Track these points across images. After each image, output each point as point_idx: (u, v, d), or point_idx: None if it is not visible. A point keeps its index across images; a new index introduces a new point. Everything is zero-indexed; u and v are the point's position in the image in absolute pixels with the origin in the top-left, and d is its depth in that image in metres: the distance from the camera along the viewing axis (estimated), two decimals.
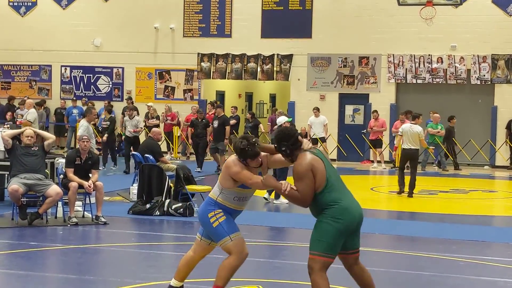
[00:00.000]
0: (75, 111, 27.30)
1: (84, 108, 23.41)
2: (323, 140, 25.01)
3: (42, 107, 27.59)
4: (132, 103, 27.64)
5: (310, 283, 6.58)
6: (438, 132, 23.56)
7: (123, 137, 21.56)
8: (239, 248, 7.02)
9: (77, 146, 12.90)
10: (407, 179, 17.00)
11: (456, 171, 23.89)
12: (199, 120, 22.57)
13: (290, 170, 15.28)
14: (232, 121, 24.02)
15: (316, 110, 25.10)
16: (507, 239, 11.96)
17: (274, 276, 8.73)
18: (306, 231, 12.36)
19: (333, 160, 26.00)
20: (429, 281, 8.82)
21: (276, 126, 16.23)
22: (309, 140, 24.77)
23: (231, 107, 26.96)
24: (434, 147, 23.31)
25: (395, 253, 10.59)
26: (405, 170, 17.38)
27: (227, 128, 21.66)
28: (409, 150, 17.06)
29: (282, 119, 15.20)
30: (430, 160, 24.81)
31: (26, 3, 29.32)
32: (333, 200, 6.58)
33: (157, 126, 24.43)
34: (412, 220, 14.10)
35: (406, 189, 17.07)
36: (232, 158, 7.03)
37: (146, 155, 14.92)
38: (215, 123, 21.65)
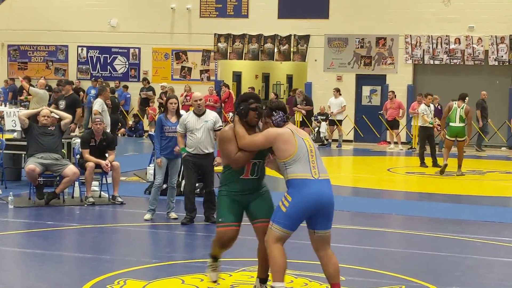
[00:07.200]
0: (93, 91, 27.27)
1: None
2: (339, 122, 24.91)
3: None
4: (148, 83, 27.74)
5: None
6: None
7: None
8: None
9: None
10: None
11: None
12: None
13: None
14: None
15: (336, 91, 25.00)
16: None
17: (292, 256, 8.70)
18: None
19: (350, 141, 25.95)
20: (446, 261, 8.79)
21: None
22: (326, 121, 24.94)
23: (248, 88, 26.88)
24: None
25: (412, 234, 10.56)
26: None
27: (78, 110, 16.65)
28: None
29: None
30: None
31: None
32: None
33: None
34: (429, 201, 14.04)
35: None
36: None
37: None
38: (61, 104, 16.29)
